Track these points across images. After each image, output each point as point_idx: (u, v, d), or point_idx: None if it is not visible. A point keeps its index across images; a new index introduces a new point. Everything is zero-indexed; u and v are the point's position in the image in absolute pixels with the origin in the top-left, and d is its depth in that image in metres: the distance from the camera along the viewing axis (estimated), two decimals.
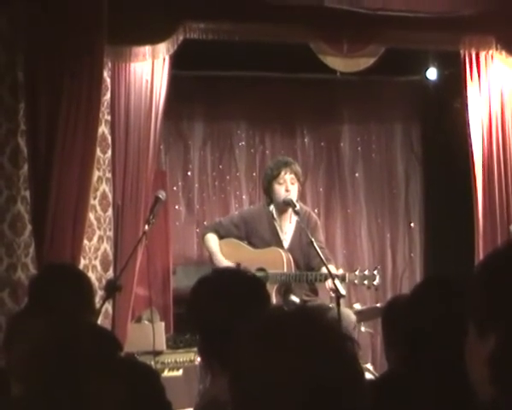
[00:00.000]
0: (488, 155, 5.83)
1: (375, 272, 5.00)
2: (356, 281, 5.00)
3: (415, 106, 7.50)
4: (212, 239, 5.32)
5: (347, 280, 4.96)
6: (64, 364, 1.66)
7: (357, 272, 5.01)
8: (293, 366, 1.34)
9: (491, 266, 1.34)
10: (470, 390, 1.34)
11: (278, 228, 5.31)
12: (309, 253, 5.14)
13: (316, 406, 1.33)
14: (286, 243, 5.28)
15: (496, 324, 1.27)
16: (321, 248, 4.90)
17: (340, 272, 5.02)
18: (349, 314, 5.05)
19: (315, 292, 5.33)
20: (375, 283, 5.00)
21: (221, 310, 2.29)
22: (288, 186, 5.18)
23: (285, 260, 5.15)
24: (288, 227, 5.32)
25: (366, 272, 5.00)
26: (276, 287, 5.12)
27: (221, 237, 5.32)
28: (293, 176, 5.21)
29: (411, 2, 5.37)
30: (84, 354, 1.73)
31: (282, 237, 5.30)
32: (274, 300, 5.06)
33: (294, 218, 5.23)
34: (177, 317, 5.85)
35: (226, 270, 2.98)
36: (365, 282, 4.99)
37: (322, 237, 5.49)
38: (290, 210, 5.21)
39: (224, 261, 5.18)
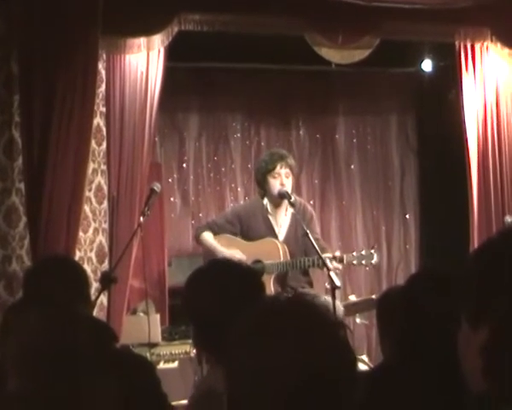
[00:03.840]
0: (483, 147, 5.84)
1: (373, 251, 4.99)
2: (354, 262, 4.98)
3: (410, 98, 7.51)
4: (208, 237, 5.27)
5: (345, 261, 4.94)
6: (59, 356, 1.66)
7: (354, 253, 5.00)
8: (289, 354, 1.34)
9: (484, 257, 1.34)
10: (463, 381, 1.35)
11: (273, 221, 5.29)
12: (305, 245, 5.12)
13: (312, 394, 1.34)
14: (281, 236, 5.26)
15: (489, 315, 1.28)
16: (316, 239, 4.89)
17: (338, 254, 5.00)
18: (338, 306, 5.03)
19: (310, 284, 5.33)
20: (373, 262, 4.99)
21: (215, 302, 2.29)
22: (282, 180, 5.14)
23: (281, 250, 5.14)
24: (282, 220, 5.30)
25: (363, 252, 4.99)
26: (273, 277, 5.12)
27: (216, 235, 5.29)
28: (288, 170, 5.18)
29: None
30: (80, 345, 1.73)
31: (277, 230, 5.27)
32: (272, 290, 5.06)
33: (289, 210, 5.20)
34: (173, 309, 5.85)
35: (220, 261, 2.98)
36: (363, 262, 4.98)
37: (318, 229, 5.47)
38: (285, 203, 5.18)
39: (226, 252, 5.14)
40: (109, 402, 1.62)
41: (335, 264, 4.82)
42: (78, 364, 1.64)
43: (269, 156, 5.32)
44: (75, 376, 1.61)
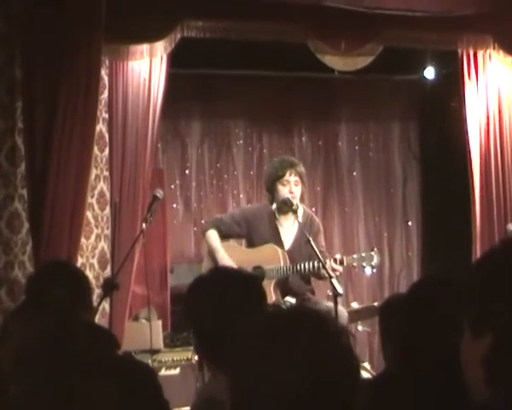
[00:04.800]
0: (485, 154, 5.84)
1: (373, 253, 4.97)
2: (354, 264, 4.95)
3: (412, 105, 7.51)
4: (213, 236, 5.23)
5: (345, 263, 4.92)
6: (60, 362, 1.66)
7: (355, 255, 4.99)
8: (291, 360, 1.34)
9: (487, 266, 1.34)
10: (465, 390, 1.35)
11: (279, 227, 5.26)
12: (309, 253, 5.10)
13: (314, 400, 1.34)
14: (287, 244, 5.22)
15: (491, 323, 1.27)
16: (321, 252, 4.87)
17: (338, 256, 4.98)
18: (343, 312, 5.02)
19: (312, 293, 5.32)
20: (373, 263, 4.96)
21: (216, 310, 2.29)
22: (291, 188, 5.11)
23: (281, 256, 5.12)
24: (290, 228, 5.26)
25: (364, 254, 4.97)
26: (273, 282, 5.10)
27: (222, 234, 5.26)
28: (297, 178, 5.14)
29: (409, 1, 5.38)
30: (81, 351, 1.73)
31: (283, 237, 5.24)
32: (273, 295, 5.04)
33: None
34: (175, 315, 5.85)
35: (222, 269, 2.98)
36: (364, 263, 4.95)
37: (324, 242, 5.43)
38: None
39: (226, 259, 5.13)
40: (109, 408, 1.62)
41: (336, 266, 4.81)
42: (77, 368, 1.64)
43: (279, 163, 5.27)
44: (75, 381, 1.61)
